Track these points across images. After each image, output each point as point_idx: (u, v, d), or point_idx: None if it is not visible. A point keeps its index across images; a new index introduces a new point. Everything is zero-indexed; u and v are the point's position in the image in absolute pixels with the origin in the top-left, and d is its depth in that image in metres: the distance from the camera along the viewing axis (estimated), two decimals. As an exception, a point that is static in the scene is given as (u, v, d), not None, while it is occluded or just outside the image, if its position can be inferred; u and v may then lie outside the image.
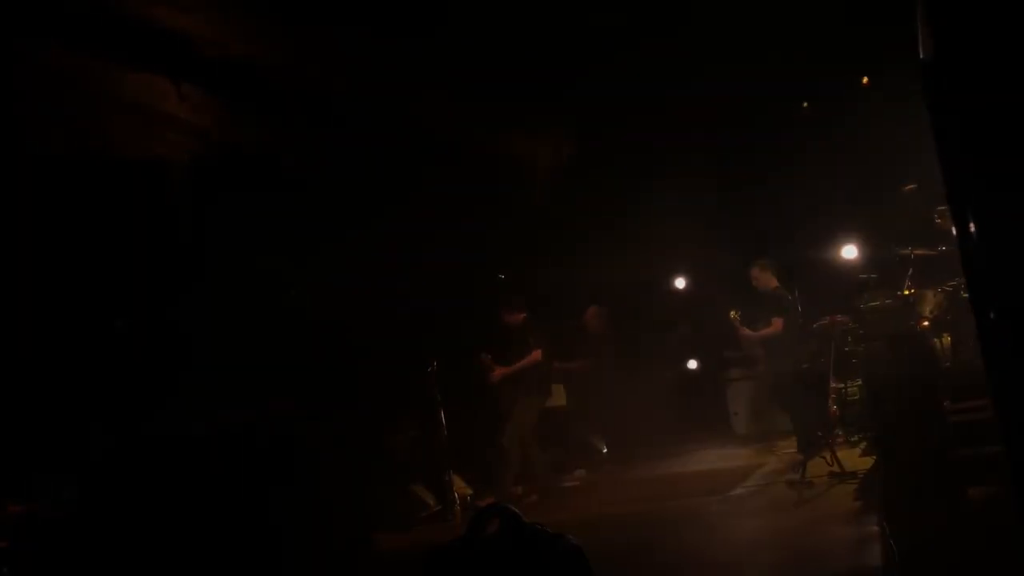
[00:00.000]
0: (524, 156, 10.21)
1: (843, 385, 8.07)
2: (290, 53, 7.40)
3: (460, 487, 8.24)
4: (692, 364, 11.14)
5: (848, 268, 8.83)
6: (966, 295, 6.21)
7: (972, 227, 1.70)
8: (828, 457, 6.86)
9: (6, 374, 5.65)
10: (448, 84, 8.31)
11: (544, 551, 2.74)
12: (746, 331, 8.48)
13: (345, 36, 7.30)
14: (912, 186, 7.60)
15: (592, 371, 9.74)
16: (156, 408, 6.14)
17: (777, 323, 8.15)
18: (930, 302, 7.37)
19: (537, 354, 8.30)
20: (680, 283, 11.43)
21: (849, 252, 8.98)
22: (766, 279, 8.35)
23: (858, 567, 4.60)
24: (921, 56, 1.87)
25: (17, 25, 5.81)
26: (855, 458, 7.14)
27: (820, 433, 7.19)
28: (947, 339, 7.31)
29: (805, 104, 9.68)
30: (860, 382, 7.87)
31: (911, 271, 7.52)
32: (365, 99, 8.16)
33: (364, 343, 8.34)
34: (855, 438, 7.91)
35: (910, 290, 7.48)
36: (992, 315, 1.73)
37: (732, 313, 8.49)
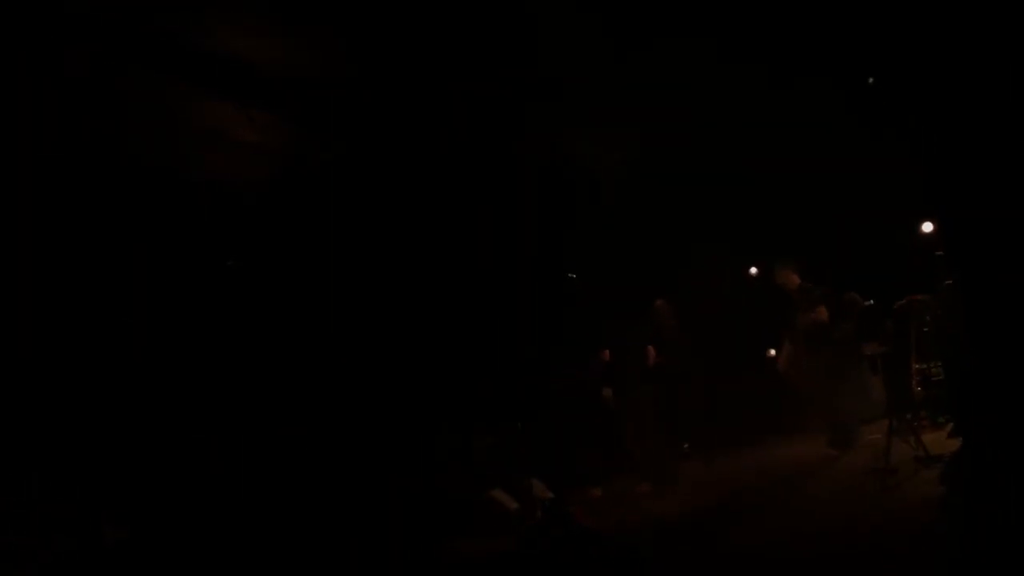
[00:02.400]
0: (592, 155, 10.19)
1: (926, 366, 7.83)
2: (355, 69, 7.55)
3: (541, 491, 8.29)
4: (773, 352, 10.96)
5: (927, 246, 8.58)
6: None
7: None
8: (912, 441, 6.67)
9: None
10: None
11: (596, 553, 2.79)
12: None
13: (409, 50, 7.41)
14: None
15: (665, 364, 9.66)
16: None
17: (821, 310, 7.99)
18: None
19: None
20: (754, 270, 11.28)
21: (928, 228, 8.74)
22: (787, 278, 8.25)
23: (942, 556, 4.46)
24: None
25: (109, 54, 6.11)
26: (942, 440, 6.92)
27: (908, 416, 6.99)
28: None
29: (871, 79, 9.39)
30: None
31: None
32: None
33: (442, 348, 8.47)
34: (941, 419, 7.67)
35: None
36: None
37: None
